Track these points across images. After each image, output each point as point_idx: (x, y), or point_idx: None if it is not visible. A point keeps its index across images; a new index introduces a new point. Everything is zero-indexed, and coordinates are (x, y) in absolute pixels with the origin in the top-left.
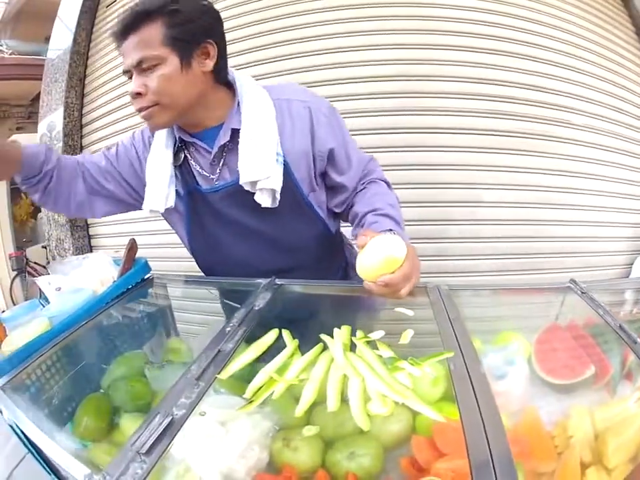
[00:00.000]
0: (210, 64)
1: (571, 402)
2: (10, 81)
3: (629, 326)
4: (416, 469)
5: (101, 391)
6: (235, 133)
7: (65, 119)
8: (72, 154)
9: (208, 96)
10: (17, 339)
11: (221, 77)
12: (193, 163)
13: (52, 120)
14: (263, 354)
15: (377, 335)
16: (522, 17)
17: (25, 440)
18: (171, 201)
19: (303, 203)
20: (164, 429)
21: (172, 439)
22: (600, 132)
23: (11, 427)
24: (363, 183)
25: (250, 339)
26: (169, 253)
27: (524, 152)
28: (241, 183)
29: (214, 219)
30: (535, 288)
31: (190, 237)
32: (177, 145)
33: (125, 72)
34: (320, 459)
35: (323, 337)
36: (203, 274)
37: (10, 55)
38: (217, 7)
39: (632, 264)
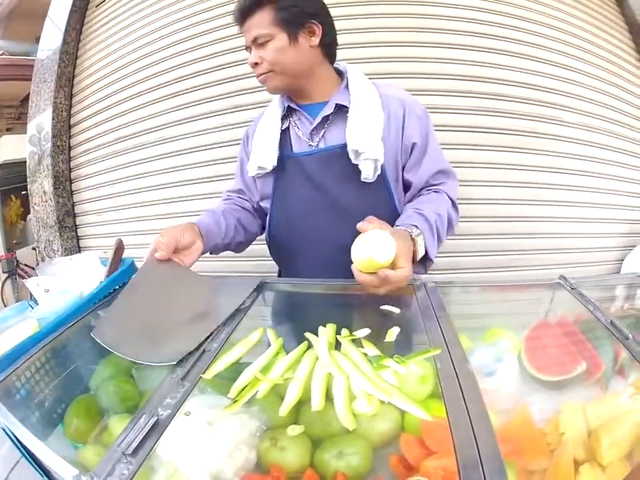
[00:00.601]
0: (316, 40)
1: (562, 399)
2: (0, 81)
3: (619, 322)
4: (405, 468)
5: (91, 392)
6: (339, 108)
7: (53, 119)
8: (60, 154)
9: (318, 70)
10: (6, 341)
11: (330, 55)
12: (296, 129)
13: (40, 121)
14: (248, 353)
15: (362, 333)
16: (513, 14)
17: (17, 443)
18: (276, 160)
19: (386, 188)
20: (149, 430)
21: (158, 440)
22: (591, 129)
23: (4, 430)
24: (429, 190)
25: (235, 338)
26: None
27: (515, 149)
28: (349, 149)
29: (302, 184)
30: (523, 284)
31: (273, 206)
32: (283, 112)
33: (247, 47)
34: (308, 458)
35: (308, 335)
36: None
37: (1, 55)
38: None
39: (622, 260)
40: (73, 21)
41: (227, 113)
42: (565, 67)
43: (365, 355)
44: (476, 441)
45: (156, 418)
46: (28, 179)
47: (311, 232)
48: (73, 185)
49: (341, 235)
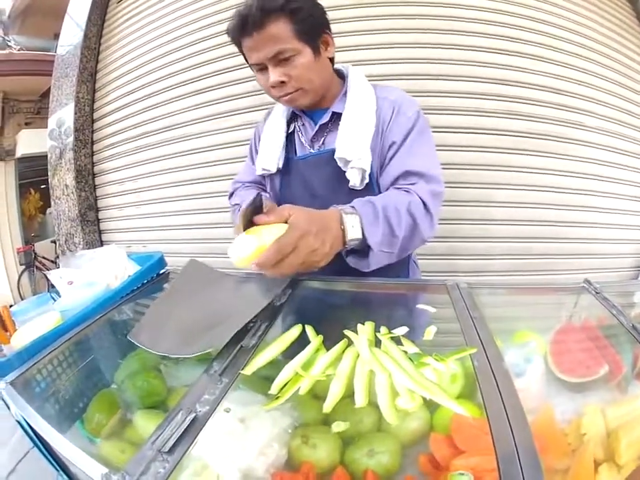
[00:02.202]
0: (332, 50)
1: (584, 400)
2: (18, 76)
3: None
4: (433, 467)
5: (114, 386)
6: (336, 116)
7: (75, 113)
8: (83, 148)
9: (331, 80)
10: (27, 334)
11: (333, 64)
12: (300, 134)
13: (61, 115)
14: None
15: (400, 330)
16: (537, 19)
17: (33, 436)
18: (281, 163)
19: (375, 194)
20: (187, 427)
21: (195, 437)
22: (611, 134)
23: (19, 422)
24: (398, 188)
25: (272, 335)
26: (184, 249)
27: (536, 152)
28: (336, 157)
29: (299, 187)
30: (549, 287)
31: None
32: (289, 117)
33: (255, 64)
34: (338, 456)
35: (347, 332)
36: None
37: (18, 50)
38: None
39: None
40: (94, 16)
41: (250, 111)
42: (586, 71)
43: (405, 352)
44: (514, 438)
45: (194, 414)
46: (49, 173)
47: None
48: (95, 179)
49: None
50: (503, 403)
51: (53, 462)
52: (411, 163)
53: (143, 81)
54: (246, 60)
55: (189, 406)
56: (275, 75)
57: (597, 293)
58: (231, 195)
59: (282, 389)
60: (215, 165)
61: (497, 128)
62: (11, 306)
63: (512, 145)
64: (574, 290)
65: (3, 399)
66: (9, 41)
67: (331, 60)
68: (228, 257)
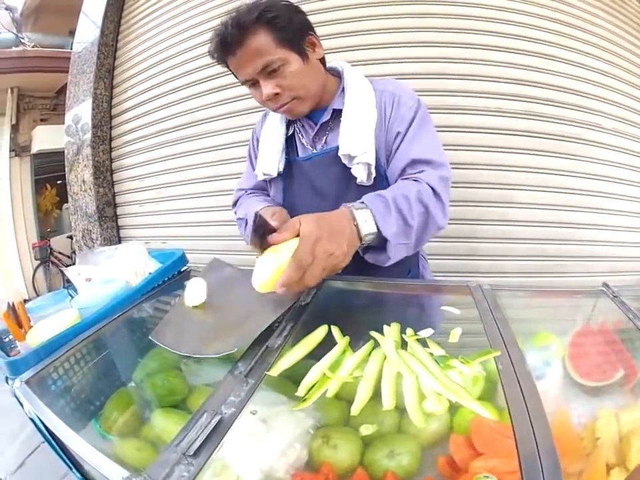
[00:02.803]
0: (320, 51)
1: (600, 404)
2: (33, 73)
3: None
4: (452, 469)
5: (132, 384)
6: (336, 113)
7: (93, 110)
8: (101, 145)
9: (325, 80)
10: (44, 330)
11: (325, 64)
12: (301, 136)
13: (77, 112)
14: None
15: (425, 332)
16: (556, 19)
17: (45, 433)
18: (281, 167)
19: (380, 186)
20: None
21: (221, 440)
22: (628, 137)
23: (32, 420)
24: (407, 178)
25: (297, 336)
26: (204, 246)
27: (555, 154)
28: (340, 154)
29: (304, 189)
30: (568, 290)
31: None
32: (287, 119)
33: (246, 81)
34: (359, 457)
35: (373, 334)
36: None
37: (32, 47)
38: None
39: None
40: (110, 13)
41: None
42: (604, 73)
43: (432, 354)
44: (536, 441)
45: (219, 417)
46: (66, 168)
47: None
48: (114, 175)
49: None
50: (526, 406)
51: (66, 459)
52: (417, 151)
53: (163, 77)
54: (237, 77)
55: (214, 407)
56: (267, 88)
57: (614, 296)
58: (235, 203)
59: (309, 390)
60: (235, 162)
61: (517, 128)
62: (25, 301)
63: (531, 145)
64: (592, 293)
65: (15, 396)
66: (22, 38)
67: (322, 60)
68: (249, 254)
